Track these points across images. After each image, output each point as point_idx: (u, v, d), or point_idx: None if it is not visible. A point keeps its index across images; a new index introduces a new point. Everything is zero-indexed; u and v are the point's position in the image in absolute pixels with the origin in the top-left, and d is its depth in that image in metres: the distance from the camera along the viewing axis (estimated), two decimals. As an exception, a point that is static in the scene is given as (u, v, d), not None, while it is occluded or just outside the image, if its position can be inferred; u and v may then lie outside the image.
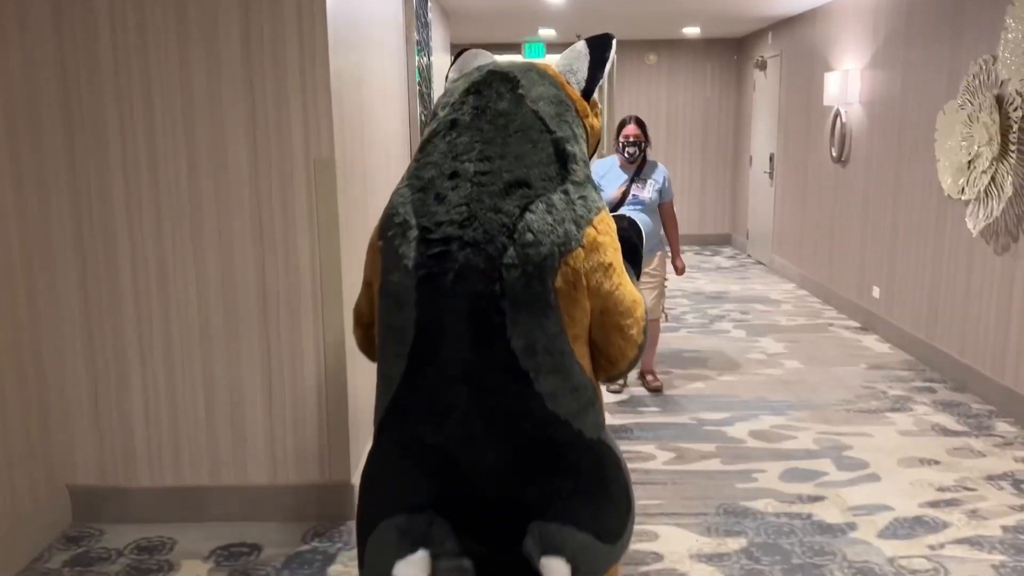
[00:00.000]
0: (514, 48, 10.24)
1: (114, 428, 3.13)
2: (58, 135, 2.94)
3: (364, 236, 3.52)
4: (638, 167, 4.47)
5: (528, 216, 1.83)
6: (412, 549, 1.80)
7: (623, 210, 4.24)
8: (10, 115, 2.82)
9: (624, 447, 3.75)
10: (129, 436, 3.14)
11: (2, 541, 2.76)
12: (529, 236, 1.81)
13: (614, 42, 2.23)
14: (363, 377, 3.51)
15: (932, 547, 2.95)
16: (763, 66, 8.77)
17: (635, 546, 2.96)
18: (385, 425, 1.91)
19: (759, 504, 3.29)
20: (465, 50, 2.32)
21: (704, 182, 10.19)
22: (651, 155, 4.65)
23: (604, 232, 1.93)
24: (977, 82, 4.56)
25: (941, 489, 3.42)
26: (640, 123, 4.48)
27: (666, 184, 4.55)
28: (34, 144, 2.93)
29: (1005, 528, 3.08)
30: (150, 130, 2.94)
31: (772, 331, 6.04)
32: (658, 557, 2.90)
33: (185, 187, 2.98)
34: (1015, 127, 4.18)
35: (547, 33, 9.29)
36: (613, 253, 1.94)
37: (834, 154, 6.68)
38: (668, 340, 5.74)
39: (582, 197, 1.94)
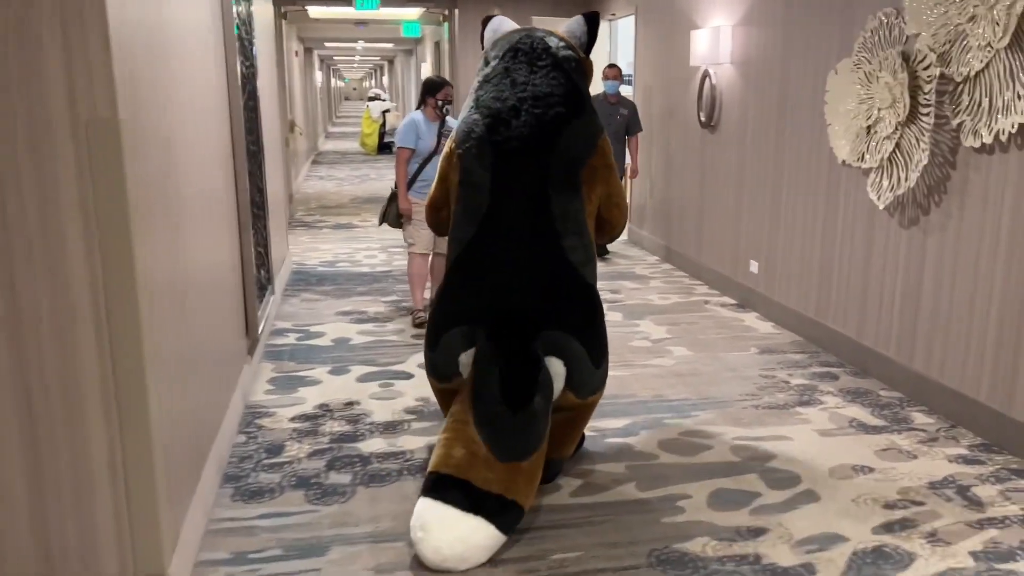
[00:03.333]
0: (344, -2, 9.19)
1: None
2: None
3: (167, 218, 2.56)
4: (442, 121, 5.17)
5: (566, 132, 2.88)
6: (469, 347, 2.83)
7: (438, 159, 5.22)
8: None
9: (520, 477, 3.06)
10: None
11: None
12: (568, 145, 2.87)
13: (599, 17, 3.21)
14: (175, 408, 2.58)
15: (908, 591, 2.46)
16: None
17: (561, 628, 2.27)
18: (455, 268, 2.95)
19: (696, 546, 2.69)
20: (491, 16, 3.25)
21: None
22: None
23: (606, 144, 3.02)
24: (876, 38, 4.15)
25: (888, 506, 2.96)
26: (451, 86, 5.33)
27: None
28: None
29: (975, 555, 2.65)
30: None
31: (648, 312, 5.53)
32: (593, 642, 2.22)
33: None
34: (927, 87, 3.78)
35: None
36: (612, 158, 3.06)
37: (702, 118, 6.24)
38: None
39: (593, 122, 2.99)
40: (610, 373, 4.32)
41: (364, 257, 7.33)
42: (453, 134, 3.09)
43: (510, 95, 2.94)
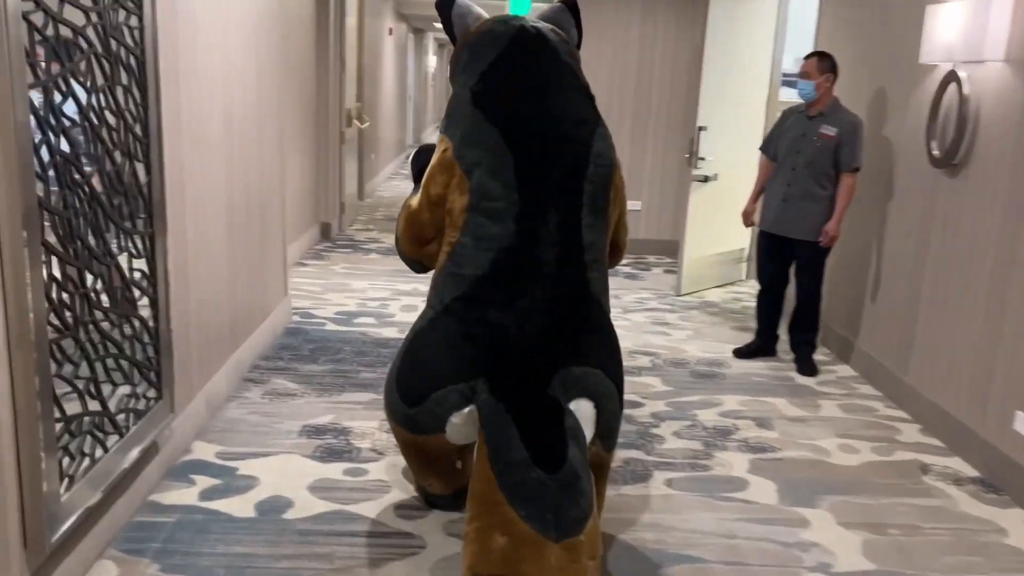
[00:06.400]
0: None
1: None
2: None
3: None
4: None
5: (596, 143, 2.46)
6: (465, 405, 2.34)
7: None
8: None
9: None
10: None
11: None
12: (599, 158, 2.46)
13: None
14: None
15: None
16: None
17: None
18: (452, 309, 2.40)
19: None
20: None
21: (653, 169, 7.24)
22: None
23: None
24: None
25: None
26: None
27: None
28: None
29: None
30: None
31: (823, 485, 3.17)
32: None
33: None
34: None
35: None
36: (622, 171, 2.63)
37: (935, 151, 3.79)
38: (621, 504, 2.83)
39: (608, 130, 2.56)
40: None
41: (400, 308, 5.23)
42: (445, 144, 2.47)
43: (527, 95, 2.42)
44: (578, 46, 2.65)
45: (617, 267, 6.59)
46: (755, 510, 2.97)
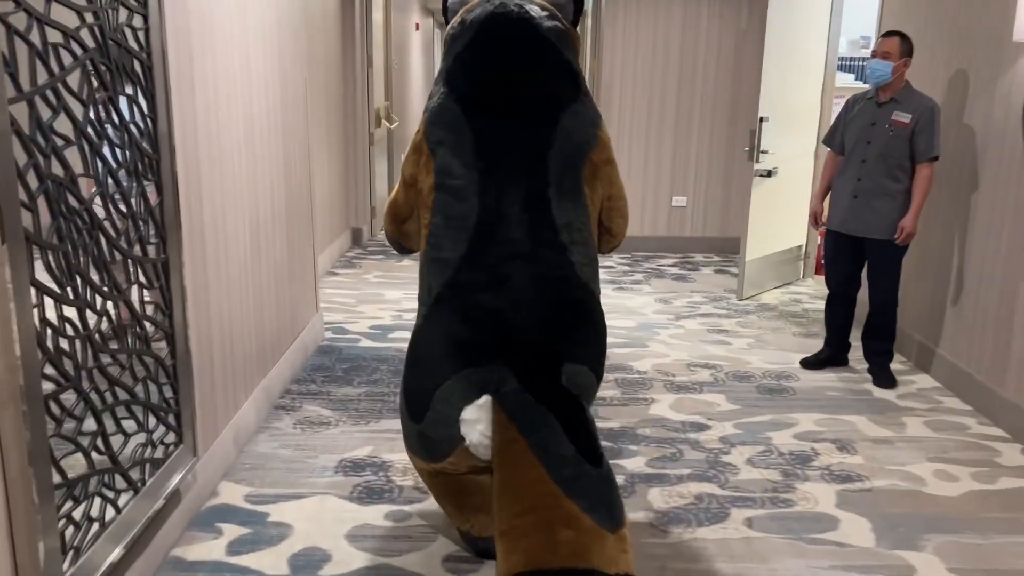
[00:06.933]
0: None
1: None
2: None
3: None
4: None
5: (563, 120, 2.38)
6: (478, 395, 2.22)
7: None
8: None
9: None
10: None
11: None
12: (567, 136, 2.38)
13: None
14: None
15: None
16: None
17: None
18: (443, 298, 2.32)
19: None
20: None
21: (698, 163, 6.85)
22: None
23: (606, 134, 2.51)
24: None
25: None
26: None
27: None
28: None
29: None
30: None
31: (926, 523, 2.80)
32: None
33: None
34: None
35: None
36: (613, 151, 2.54)
37: (1033, 139, 3.40)
38: (698, 551, 2.49)
39: (591, 107, 2.49)
40: None
41: (438, 320, 4.92)
42: (420, 125, 2.47)
43: (491, 72, 2.41)
44: (574, 23, 2.55)
45: (664, 268, 6.45)
46: (851, 555, 2.61)
